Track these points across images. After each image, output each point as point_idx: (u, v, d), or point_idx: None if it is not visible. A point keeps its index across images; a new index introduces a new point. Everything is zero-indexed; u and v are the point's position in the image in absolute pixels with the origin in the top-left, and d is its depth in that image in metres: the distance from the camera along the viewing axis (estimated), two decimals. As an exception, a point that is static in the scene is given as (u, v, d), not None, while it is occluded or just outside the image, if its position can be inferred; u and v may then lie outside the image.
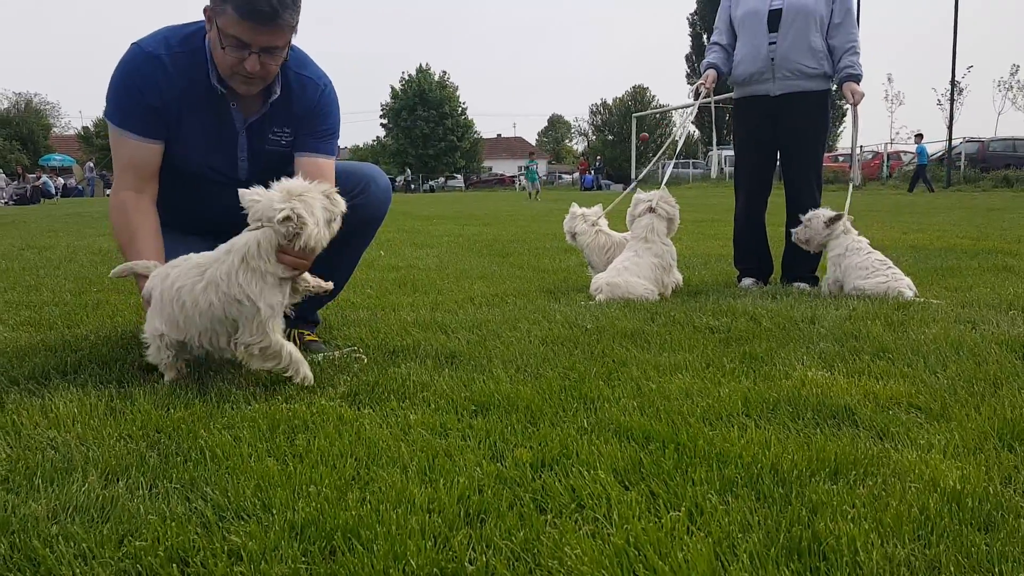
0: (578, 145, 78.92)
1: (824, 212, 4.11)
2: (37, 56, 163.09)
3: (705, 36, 53.98)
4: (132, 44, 2.52)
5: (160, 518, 1.37)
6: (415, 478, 1.57)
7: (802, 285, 4.39)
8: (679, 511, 1.40)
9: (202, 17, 2.47)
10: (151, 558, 1.23)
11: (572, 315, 3.29)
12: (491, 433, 1.84)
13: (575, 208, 4.65)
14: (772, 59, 4.27)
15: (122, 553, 1.27)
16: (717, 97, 4.57)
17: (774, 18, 4.27)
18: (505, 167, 68.19)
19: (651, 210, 4.00)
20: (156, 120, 2.51)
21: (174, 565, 1.22)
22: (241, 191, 2.22)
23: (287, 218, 2.13)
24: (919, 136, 26.13)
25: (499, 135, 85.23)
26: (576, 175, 51.40)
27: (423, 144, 55.84)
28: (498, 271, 5.18)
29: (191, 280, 2.21)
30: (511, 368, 2.44)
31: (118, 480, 1.56)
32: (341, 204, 2.30)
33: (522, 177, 29.58)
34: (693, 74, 55.96)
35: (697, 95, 4.54)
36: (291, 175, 2.74)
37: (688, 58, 56.62)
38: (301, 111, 2.65)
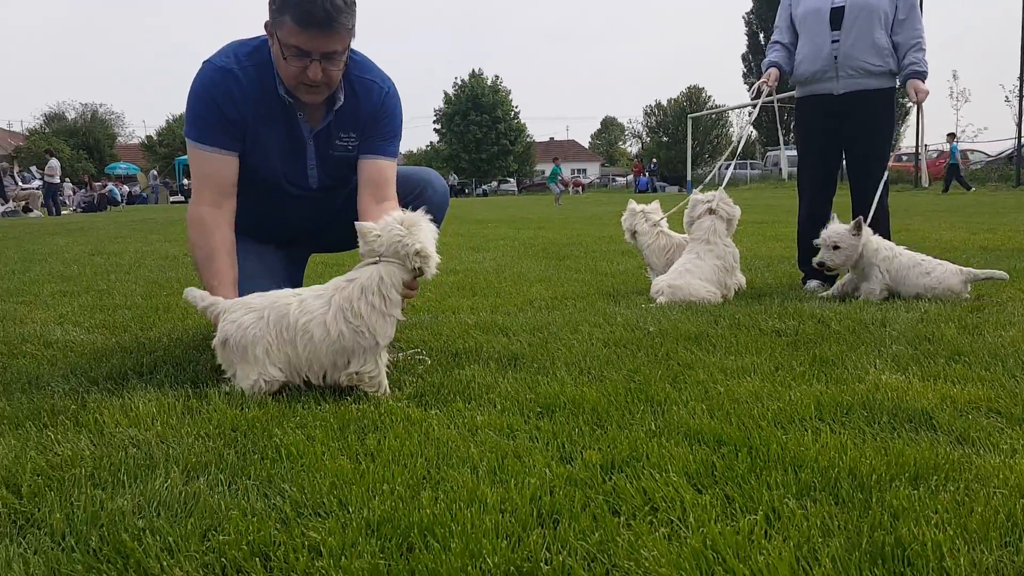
0: (632, 147, 78.32)
1: (841, 226, 3.88)
2: (102, 67, 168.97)
3: (762, 35, 53.12)
4: (204, 62, 2.59)
5: (241, 513, 1.41)
6: (485, 478, 1.58)
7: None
8: (756, 515, 1.38)
9: (263, 32, 2.54)
10: (235, 552, 1.27)
11: (633, 318, 3.27)
12: (558, 435, 1.84)
13: (633, 205, 4.58)
14: (835, 57, 4.20)
15: (206, 547, 1.30)
16: (778, 96, 4.50)
17: (836, 16, 4.19)
18: (557, 171, 68.12)
19: (711, 211, 3.94)
20: (234, 132, 2.57)
21: (257, 560, 1.25)
22: (359, 225, 2.25)
23: (419, 252, 2.18)
24: (951, 136, 25.36)
25: (552, 138, 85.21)
26: (630, 177, 51.11)
27: (476, 148, 56.16)
28: (555, 274, 5.18)
29: (317, 311, 2.20)
30: (574, 370, 2.44)
31: (199, 477, 1.60)
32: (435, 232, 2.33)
33: (553, 185, 28.67)
34: (750, 74, 55.00)
35: (758, 94, 4.47)
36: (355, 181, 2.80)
37: (744, 57, 55.67)
38: (365, 114, 2.69)
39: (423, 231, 2.24)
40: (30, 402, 2.14)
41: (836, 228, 3.88)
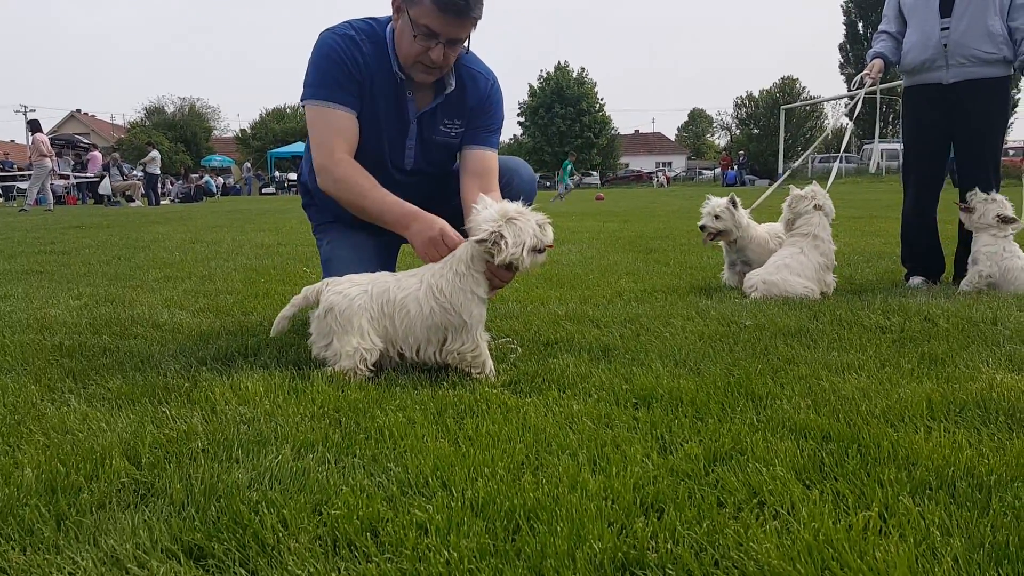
0: (720, 140, 76.63)
1: (1004, 203, 3.84)
2: (199, 62, 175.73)
3: (860, 24, 51.23)
4: (325, 31, 2.65)
5: (350, 490, 1.44)
6: (586, 466, 1.58)
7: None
8: (869, 511, 1.33)
9: (371, 16, 2.61)
10: (346, 526, 1.30)
11: (728, 312, 3.21)
12: (657, 426, 1.82)
13: (717, 200, 4.46)
14: (945, 45, 4.01)
15: (318, 521, 1.34)
16: (882, 86, 4.32)
17: (946, 2, 4.00)
18: (643, 163, 67.23)
19: (818, 207, 3.82)
20: (358, 93, 2.61)
21: (367, 535, 1.28)
22: (478, 201, 2.33)
23: (482, 240, 2.23)
24: None
25: (637, 131, 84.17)
26: (717, 171, 50.10)
27: (559, 142, 55.84)
28: (644, 267, 5.12)
29: (412, 289, 2.31)
30: (669, 363, 2.41)
31: (307, 454, 1.65)
32: (550, 237, 2.35)
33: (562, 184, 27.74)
34: (847, 64, 53.07)
35: (860, 85, 4.31)
36: (451, 167, 2.84)
37: (842, 47, 53.75)
38: (473, 104, 2.73)
39: (519, 226, 2.26)
40: (144, 380, 2.24)
41: (1000, 198, 3.92)
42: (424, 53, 2.50)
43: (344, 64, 2.57)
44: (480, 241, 2.23)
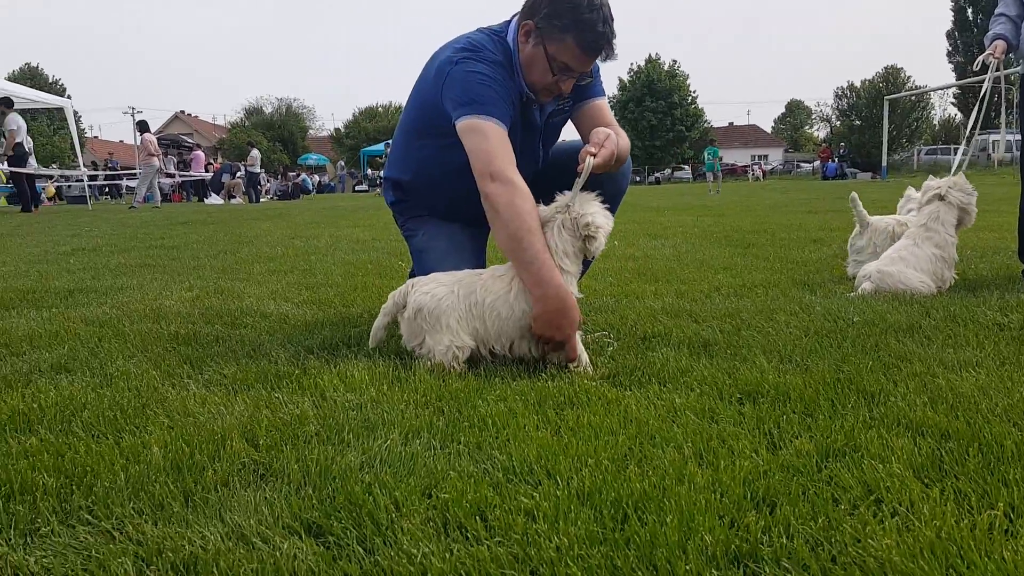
0: (819, 132, 74.09)
1: None
2: (296, 62, 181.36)
3: (970, 10, 48.68)
4: (466, 49, 2.54)
5: (458, 475, 1.47)
6: (692, 459, 1.56)
7: None
8: (994, 511, 1.27)
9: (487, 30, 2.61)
10: (456, 509, 1.33)
11: (833, 307, 3.11)
12: (764, 421, 1.78)
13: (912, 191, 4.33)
14: None
15: (429, 503, 1.37)
16: (1005, 72, 4.08)
17: None
18: (737, 156, 65.41)
19: (940, 198, 3.65)
20: (512, 111, 2.54)
21: (476, 518, 1.31)
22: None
23: (587, 224, 2.28)
24: None
25: (731, 123, 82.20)
26: (817, 163, 48.48)
27: (649, 136, 55.05)
28: (741, 262, 5.01)
29: (501, 292, 2.34)
30: (774, 358, 2.35)
31: (414, 439, 1.69)
32: (611, 224, 2.40)
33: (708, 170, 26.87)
34: (955, 52, 50.43)
35: (983, 68, 4.08)
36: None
37: (950, 34, 51.07)
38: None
39: (594, 209, 2.33)
40: (256, 367, 2.34)
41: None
42: (555, 83, 2.51)
43: (497, 84, 2.49)
44: (586, 226, 2.29)
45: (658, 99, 55.65)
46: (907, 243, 3.60)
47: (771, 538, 1.22)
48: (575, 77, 2.52)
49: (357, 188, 43.51)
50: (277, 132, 62.19)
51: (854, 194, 4.21)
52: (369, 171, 46.06)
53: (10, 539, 1.29)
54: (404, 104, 2.94)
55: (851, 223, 4.37)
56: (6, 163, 15.45)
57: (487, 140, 2.41)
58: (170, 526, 1.31)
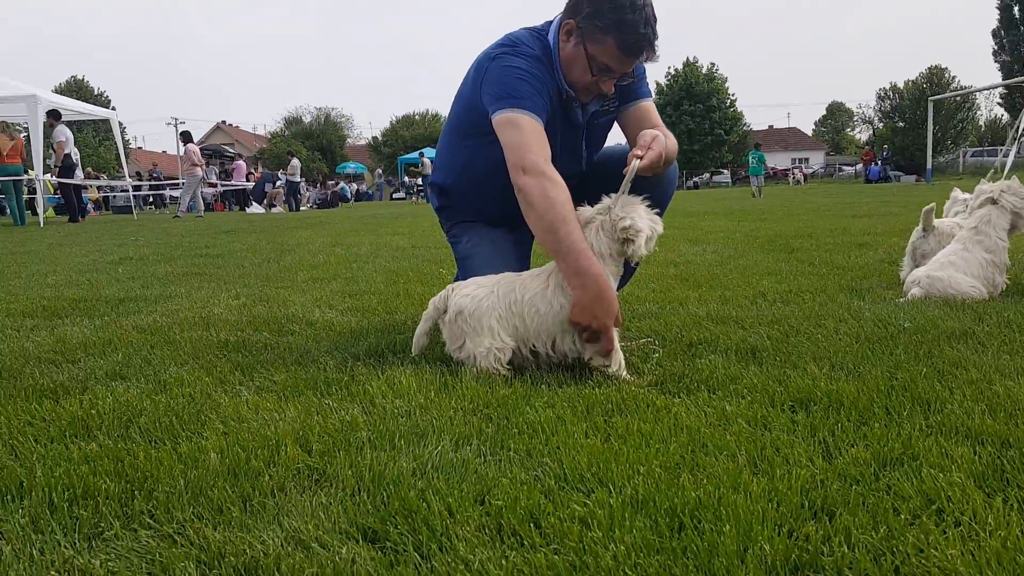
0: (861, 134, 72.88)
1: None
2: (334, 73, 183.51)
3: (1016, 8, 47.63)
4: (504, 45, 2.57)
5: (509, 482, 1.47)
6: (746, 467, 1.54)
7: None
8: (1064, 524, 1.24)
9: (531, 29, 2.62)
10: (510, 515, 1.33)
11: (884, 313, 3.05)
12: (818, 429, 1.76)
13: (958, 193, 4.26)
14: None
15: (482, 510, 1.38)
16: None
17: None
18: (777, 160, 64.59)
19: (992, 201, 3.57)
20: (548, 105, 2.53)
21: (530, 525, 1.31)
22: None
23: (626, 227, 2.27)
24: None
25: (771, 126, 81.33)
26: (859, 166, 47.71)
27: (688, 140, 54.59)
28: (786, 267, 4.95)
29: (539, 288, 2.34)
30: (825, 365, 2.32)
31: (465, 446, 1.70)
32: (660, 227, 2.39)
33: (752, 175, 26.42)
34: (1001, 51, 49.31)
35: None
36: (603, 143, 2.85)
37: (995, 33, 49.91)
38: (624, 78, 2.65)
39: (640, 214, 2.31)
40: (306, 374, 2.36)
41: None
42: (595, 83, 2.51)
43: (534, 79, 2.50)
44: (624, 229, 2.28)
45: (696, 103, 55.28)
46: (957, 247, 3.53)
47: (831, 548, 1.20)
48: (615, 78, 2.51)
49: (395, 196, 43.85)
50: (316, 141, 62.95)
51: (932, 204, 4.10)
52: (406, 179, 46.41)
53: (75, 543, 1.32)
54: (445, 111, 2.96)
55: (895, 227, 4.30)
56: (55, 174, 15.87)
57: (522, 133, 2.40)
58: (230, 530, 1.33)
